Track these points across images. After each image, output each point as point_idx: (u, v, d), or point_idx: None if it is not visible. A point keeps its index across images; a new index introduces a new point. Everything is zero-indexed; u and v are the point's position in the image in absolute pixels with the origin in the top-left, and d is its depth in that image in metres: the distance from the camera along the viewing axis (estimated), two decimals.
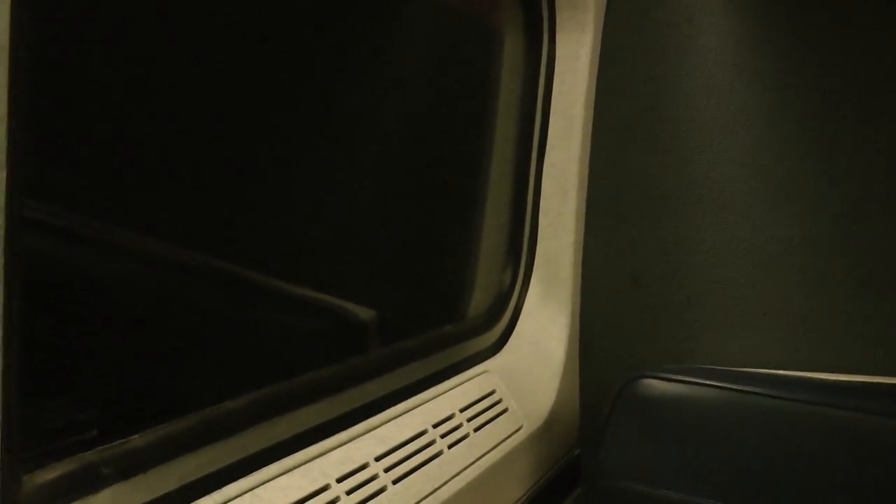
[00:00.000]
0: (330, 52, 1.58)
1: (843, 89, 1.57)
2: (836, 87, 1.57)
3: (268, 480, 1.07)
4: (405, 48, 1.75)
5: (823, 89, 1.58)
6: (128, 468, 0.92)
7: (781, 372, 1.59)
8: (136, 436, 0.95)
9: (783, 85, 1.60)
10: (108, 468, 0.90)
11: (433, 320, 1.66)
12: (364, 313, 1.64)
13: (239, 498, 1.01)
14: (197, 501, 0.97)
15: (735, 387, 1.49)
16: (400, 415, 1.34)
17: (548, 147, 1.78)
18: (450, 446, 1.37)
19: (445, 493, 1.30)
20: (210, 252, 1.41)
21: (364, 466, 1.19)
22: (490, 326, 1.72)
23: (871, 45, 1.56)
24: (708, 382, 1.51)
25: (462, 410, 1.45)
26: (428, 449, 1.32)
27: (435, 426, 1.37)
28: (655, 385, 1.53)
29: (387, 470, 1.22)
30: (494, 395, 1.56)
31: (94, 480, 0.88)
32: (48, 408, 0.97)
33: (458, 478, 1.34)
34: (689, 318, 1.70)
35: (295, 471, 1.11)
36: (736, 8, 1.63)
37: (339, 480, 1.14)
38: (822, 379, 1.55)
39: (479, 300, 1.76)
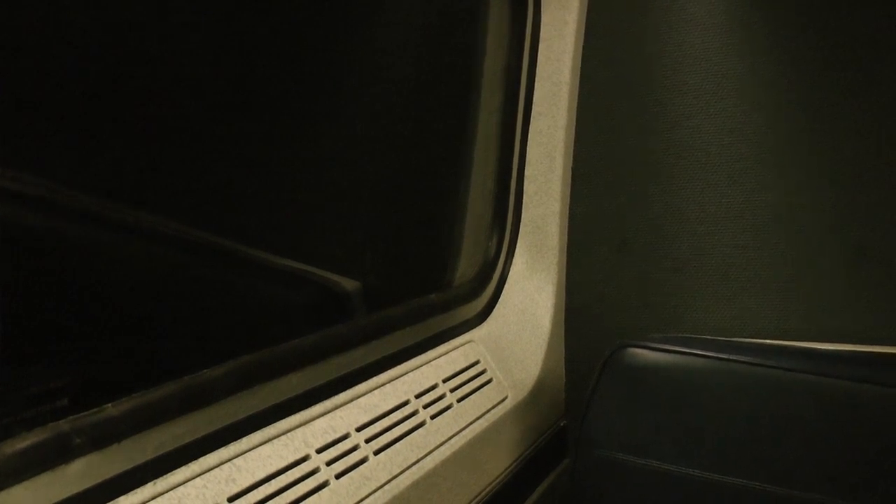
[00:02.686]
0: (314, 19, 1.55)
1: (834, 56, 1.55)
2: (828, 53, 1.56)
3: (248, 450, 1.05)
4: (389, 13, 1.73)
5: (814, 56, 1.56)
6: (101, 438, 0.91)
7: (769, 341, 1.58)
8: (110, 405, 0.93)
9: (773, 51, 1.59)
10: (81, 438, 0.88)
11: (418, 290, 1.64)
12: (348, 284, 1.62)
13: (218, 468, 1.00)
14: (174, 472, 0.96)
15: (722, 355, 1.48)
16: (383, 384, 1.33)
17: (534, 114, 1.76)
18: (433, 417, 1.36)
19: (429, 463, 1.29)
20: (193, 223, 1.39)
21: (345, 437, 1.18)
22: (475, 295, 1.70)
23: (861, 12, 1.54)
24: (695, 351, 1.49)
25: (445, 381, 1.44)
26: (410, 419, 1.31)
27: (418, 396, 1.36)
28: (642, 354, 1.52)
29: (368, 440, 1.21)
30: (479, 365, 1.55)
31: (65, 450, 0.87)
32: (19, 376, 0.95)
33: (441, 448, 1.33)
34: (677, 287, 1.69)
35: (275, 440, 1.09)
36: None
37: (319, 451, 1.12)
38: (811, 348, 1.54)
39: (464, 269, 1.75)
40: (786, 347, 1.54)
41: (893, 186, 1.54)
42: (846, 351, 1.54)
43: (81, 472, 0.88)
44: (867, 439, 1.38)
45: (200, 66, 1.34)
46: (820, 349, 1.53)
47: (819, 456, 1.39)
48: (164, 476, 0.95)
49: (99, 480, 0.90)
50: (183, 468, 0.97)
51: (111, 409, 0.93)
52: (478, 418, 1.46)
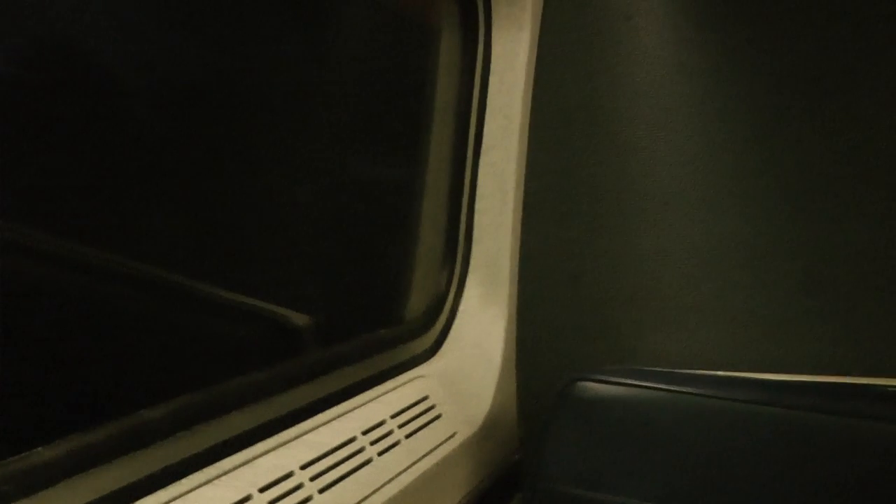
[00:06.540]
0: (259, 49, 1.54)
1: (786, 87, 1.56)
2: (780, 84, 1.56)
3: (187, 492, 1.03)
4: (337, 45, 1.72)
5: (766, 87, 1.57)
6: (32, 484, 0.88)
7: (723, 373, 1.58)
8: (41, 448, 0.91)
9: (725, 83, 1.59)
10: (9, 485, 0.85)
11: (369, 324, 1.63)
12: (298, 319, 1.60)
13: None
14: None
15: (675, 388, 1.47)
16: (329, 421, 1.31)
17: (485, 146, 1.76)
18: (380, 453, 1.34)
19: (377, 500, 1.27)
20: (130, 254, 1.35)
21: (289, 475, 1.15)
22: (425, 330, 1.69)
23: (813, 41, 1.55)
24: (648, 384, 1.49)
25: (393, 417, 1.42)
26: (357, 456, 1.29)
27: (364, 433, 1.34)
28: (595, 387, 1.51)
29: (313, 478, 1.18)
30: (427, 400, 1.53)
31: None
32: None
33: (389, 486, 1.31)
34: (631, 318, 1.69)
35: (217, 480, 1.07)
36: (675, 6, 1.62)
37: (262, 490, 1.10)
38: (765, 378, 1.54)
39: (415, 303, 1.73)
40: (740, 379, 1.54)
41: (846, 215, 1.55)
42: (801, 381, 1.53)
43: None
44: (822, 469, 1.37)
45: (146, 82, 1.32)
46: (774, 380, 1.53)
47: (774, 487, 1.38)
48: None
49: None
50: None
51: (43, 453, 0.91)
52: (426, 454, 1.44)
